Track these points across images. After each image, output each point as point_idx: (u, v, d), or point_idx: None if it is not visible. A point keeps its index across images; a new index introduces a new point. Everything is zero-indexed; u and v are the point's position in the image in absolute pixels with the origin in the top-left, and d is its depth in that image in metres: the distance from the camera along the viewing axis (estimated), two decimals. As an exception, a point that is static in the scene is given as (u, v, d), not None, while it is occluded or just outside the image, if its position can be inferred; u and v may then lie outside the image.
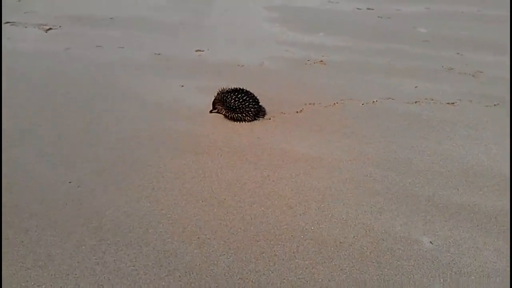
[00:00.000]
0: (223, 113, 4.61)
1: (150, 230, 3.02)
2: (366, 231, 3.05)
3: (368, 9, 10.01)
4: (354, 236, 2.99)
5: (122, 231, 3.00)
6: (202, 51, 6.99)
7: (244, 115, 4.51)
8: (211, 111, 4.75)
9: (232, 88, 4.57)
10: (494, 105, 5.09)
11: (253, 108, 4.54)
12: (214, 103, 4.68)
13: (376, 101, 5.19)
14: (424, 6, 10.31)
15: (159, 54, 6.79)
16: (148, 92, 5.35)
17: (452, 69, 6.33)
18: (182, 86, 5.56)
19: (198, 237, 2.95)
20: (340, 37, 7.87)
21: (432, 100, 5.23)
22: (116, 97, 5.20)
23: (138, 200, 3.34)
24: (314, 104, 5.08)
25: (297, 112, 4.88)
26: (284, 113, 4.83)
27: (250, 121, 4.56)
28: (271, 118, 4.72)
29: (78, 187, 3.49)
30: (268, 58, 6.72)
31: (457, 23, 8.94)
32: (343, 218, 3.18)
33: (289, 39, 7.72)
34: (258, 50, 7.09)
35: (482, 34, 8.19)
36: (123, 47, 7.03)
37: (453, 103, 5.16)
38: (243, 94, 4.51)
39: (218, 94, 4.59)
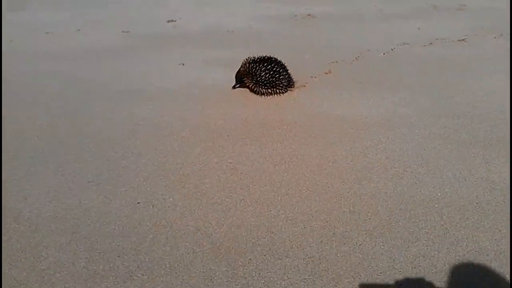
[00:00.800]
0: (252, 87, 4.07)
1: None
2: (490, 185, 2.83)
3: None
4: (478, 195, 2.76)
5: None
6: (175, 21, 6.18)
7: (277, 89, 4.02)
8: (234, 87, 4.21)
9: (258, 57, 4.02)
10: (498, 36, 5.08)
11: (285, 80, 4.04)
12: (238, 77, 4.13)
13: (394, 48, 4.94)
14: None
15: (127, 31, 5.87)
16: (153, 79, 4.57)
17: (436, 6, 6.27)
18: (183, 64, 4.83)
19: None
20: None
21: (443, 39, 5.11)
22: (116, 92, 4.36)
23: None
24: (337, 62, 4.69)
25: (326, 73, 4.47)
26: (314, 77, 4.40)
27: (282, 92, 4.03)
28: (305, 84, 4.27)
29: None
30: (253, 18, 6.13)
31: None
32: (463, 176, 2.93)
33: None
34: (236, 12, 6.45)
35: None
36: (79, 30, 5.96)
37: (463, 39, 5.09)
38: (274, 65, 3.98)
39: (244, 65, 4.04)
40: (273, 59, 4.01)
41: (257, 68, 3.94)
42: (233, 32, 5.72)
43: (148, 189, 2.99)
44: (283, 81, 4.01)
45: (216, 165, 3.19)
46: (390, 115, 3.70)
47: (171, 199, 2.89)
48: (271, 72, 3.93)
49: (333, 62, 4.68)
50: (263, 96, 4.07)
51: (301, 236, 2.51)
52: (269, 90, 4.02)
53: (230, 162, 3.21)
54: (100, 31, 5.90)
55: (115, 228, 2.67)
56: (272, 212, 2.71)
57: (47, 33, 5.83)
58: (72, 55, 5.13)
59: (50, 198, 2.96)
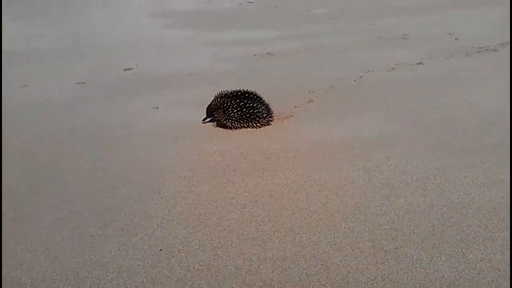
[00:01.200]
0: (224, 122, 3.93)
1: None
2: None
3: (249, 2, 9.99)
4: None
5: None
6: (132, 68, 5.95)
7: (253, 122, 3.90)
8: (204, 120, 4.10)
9: (232, 91, 3.92)
10: (450, 57, 5.53)
11: (264, 112, 3.94)
12: (209, 110, 4.03)
13: (362, 76, 5.14)
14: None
15: (82, 82, 5.53)
16: (129, 125, 4.27)
17: (381, 37, 6.71)
18: (157, 107, 4.60)
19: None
20: (254, 30, 7.65)
21: (402, 64, 5.43)
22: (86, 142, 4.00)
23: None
24: (313, 91, 4.76)
25: (308, 102, 4.50)
26: (298, 107, 4.41)
27: (260, 126, 3.95)
28: (292, 114, 4.24)
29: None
30: (212, 59, 6.11)
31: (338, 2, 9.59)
32: (481, 181, 2.99)
33: (210, 39, 7.16)
34: (192, 56, 6.39)
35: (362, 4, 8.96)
36: (26, 85, 5.51)
37: (421, 62, 5.44)
38: (247, 100, 3.86)
39: (216, 99, 3.94)
40: (247, 93, 3.89)
41: (229, 104, 3.83)
42: (198, 74, 5.63)
43: (166, 234, 2.69)
44: (263, 113, 3.92)
45: (233, 201, 2.97)
46: (384, 133, 3.77)
47: (196, 241, 2.62)
48: (244, 109, 3.82)
49: (310, 92, 4.73)
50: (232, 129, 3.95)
51: (353, 259, 2.37)
52: (243, 124, 3.90)
53: (247, 196, 3.01)
54: (51, 85, 5.50)
55: (144, 281, 2.34)
56: (312, 239, 2.55)
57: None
58: (23, 110, 4.67)
59: (51, 259, 2.54)
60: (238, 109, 3.81)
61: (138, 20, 8.64)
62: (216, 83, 5.33)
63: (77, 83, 5.49)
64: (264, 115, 3.91)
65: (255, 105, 3.87)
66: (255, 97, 3.93)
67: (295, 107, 4.41)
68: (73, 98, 5.00)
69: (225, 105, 3.84)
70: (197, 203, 2.97)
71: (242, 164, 3.43)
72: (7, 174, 3.47)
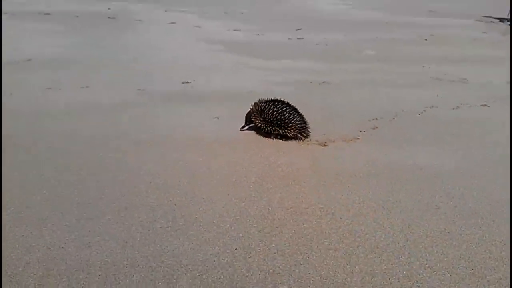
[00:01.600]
0: (260, 126, 3.99)
1: None
2: None
3: (299, 38, 10.09)
4: None
5: None
6: (189, 82, 5.96)
7: (288, 130, 3.89)
8: (242, 128, 4.17)
9: (271, 98, 4.01)
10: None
11: (298, 121, 3.92)
12: (248, 117, 4.10)
13: (425, 110, 4.99)
14: (342, 34, 10.86)
15: (143, 90, 5.54)
16: (190, 130, 4.20)
17: (439, 79, 6.59)
18: (217, 118, 4.53)
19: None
20: (306, 61, 7.64)
21: (466, 104, 5.27)
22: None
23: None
24: (376, 119, 4.62)
25: (372, 128, 4.36)
26: (363, 131, 4.26)
27: (293, 136, 3.92)
28: (358, 137, 4.09)
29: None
30: (269, 83, 6.07)
31: (387, 45, 9.59)
32: None
33: (262, 65, 7.18)
34: (247, 77, 6.39)
35: (414, 51, 8.93)
36: (87, 87, 5.55)
37: (485, 104, 5.27)
38: (284, 105, 3.94)
39: (254, 104, 4.04)
40: (284, 102, 3.97)
41: (266, 106, 3.90)
42: (254, 92, 5.58)
43: (240, 235, 2.53)
44: (297, 121, 3.90)
45: (307, 210, 2.81)
46: (461, 164, 3.57)
47: (273, 245, 2.45)
48: (280, 111, 3.87)
49: (373, 120, 4.60)
50: (272, 137, 3.99)
51: (453, 285, 2.14)
52: (278, 130, 3.91)
53: (322, 208, 2.84)
54: (111, 89, 5.53)
55: (221, 277, 2.16)
56: (402, 259, 2.34)
57: (48, 88, 5.36)
58: (81, 111, 4.67)
59: (120, 245, 2.39)
60: (274, 112, 3.85)
61: (193, 45, 8.80)
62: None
63: (137, 89, 5.50)
64: (300, 125, 3.91)
65: (291, 111, 3.92)
66: (291, 105, 3.98)
67: (360, 131, 4.26)
68: (133, 102, 4.99)
69: (262, 108, 3.92)
70: (269, 208, 2.82)
71: (312, 177, 3.28)
72: (85, 163, 3.41)
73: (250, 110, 4.05)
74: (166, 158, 3.56)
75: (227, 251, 2.37)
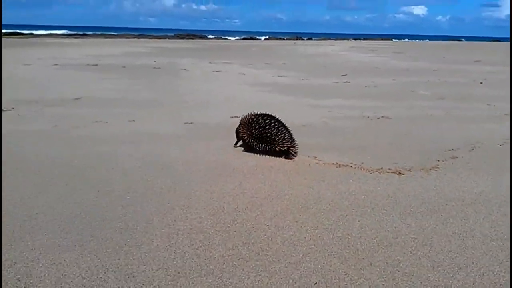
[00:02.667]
0: (246, 139, 3.89)
1: None
2: None
3: (345, 82, 9.80)
4: None
5: None
6: (238, 116, 5.65)
7: (274, 145, 3.76)
8: (235, 144, 4.10)
9: (259, 112, 3.91)
10: None
11: (287, 137, 3.79)
12: (238, 131, 4.00)
13: (505, 142, 4.40)
14: (390, 79, 10.50)
15: (191, 123, 5.27)
16: (251, 160, 3.79)
17: (507, 114, 5.99)
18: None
19: None
20: (358, 100, 7.24)
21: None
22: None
23: None
24: (453, 149, 4.07)
25: (451, 158, 3.80)
26: (443, 160, 3.72)
27: (282, 150, 3.77)
28: (437, 166, 3.55)
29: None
30: (323, 117, 5.68)
31: (441, 87, 9.09)
32: None
33: (312, 103, 6.84)
34: (298, 113, 6.03)
35: (470, 91, 8.37)
36: (133, 120, 5.35)
37: None
38: (273, 121, 3.81)
39: (242, 120, 3.94)
40: (274, 118, 3.84)
41: (253, 120, 3.79)
42: (309, 126, 5.18)
43: (319, 266, 2.03)
44: (285, 139, 3.76)
45: (398, 241, 2.28)
46: None
47: (362, 279, 1.91)
48: (267, 126, 3.75)
49: (449, 150, 4.05)
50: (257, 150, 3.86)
51: None
52: (264, 146, 3.79)
53: (415, 238, 2.30)
54: (158, 123, 5.29)
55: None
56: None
57: (95, 122, 5.19)
58: (126, 140, 4.41)
59: (171, 277, 1.93)
60: (261, 126, 3.74)
61: (240, 87, 8.67)
62: (333, 135, 4.84)
63: (185, 123, 5.25)
64: (287, 142, 3.76)
65: (280, 127, 3.76)
66: (280, 122, 3.85)
67: (438, 160, 3.72)
68: (181, 134, 4.70)
69: (250, 121, 3.81)
70: (349, 238, 2.30)
71: (396, 206, 2.75)
72: (131, 187, 3.04)
73: (239, 123, 3.97)
74: (219, 184, 3.14)
75: (305, 285, 1.85)
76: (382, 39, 47.26)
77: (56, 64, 12.09)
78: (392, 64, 15.08)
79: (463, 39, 57.22)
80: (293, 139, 3.80)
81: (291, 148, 3.79)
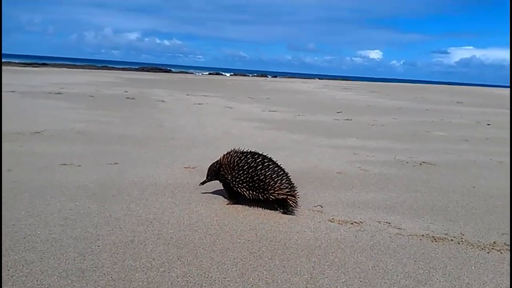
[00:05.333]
0: (230, 183, 2.99)
1: None
2: None
3: (347, 119, 8.87)
4: None
5: None
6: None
7: (267, 193, 2.88)
8: (203, 182, 3.22)
9: (247, 150, 3.09)
10: None
11: (286, 182, 2.91)
12: (211, 170, 3.15)
13: None
14: (391, 117, 9.70)
15: (193, 167, 4.04)
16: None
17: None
18: (321, 206, 2.94)
19: None
20: (373, 141, 6.25)
21: None
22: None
23: None
24: None
25: None
26: None
27: (278, 198, 2.89)
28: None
29: None
30: (356, 162, 4.60)
31: (451, 128, 8.32)
32: None
33: (328, 143, 5.77)
34: (319, 156, 4.96)
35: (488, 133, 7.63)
36: (116, 163, 4.03)
37: None
38: (266, 161, 2.97)
39: (227, 155, 3.07)
40: (266, 157, 3.01)
41: (239, 160, 2.95)
42: (345, 174, 4.07)
43: None
44: (283, 181, 2.88)
45: None
46: None
47: None
48: (259, 167, 2.89)
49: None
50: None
51: None
52: (253, 193, 2.90)
53: None
54: (147, 165, 4.02)
55: None
56: None
57: (63, 164, 3.83)
58: (112, 191, 3.11)
59: None
60: (252, 167, 2.89)
61: (233, 123, 7.51)
62: (382, 187, 3.75)
63: (185, 167, 3.99)
64: (285, 187, 2.87)
65: (276, 168, 2.93)
66: (275, 163, 3.00)
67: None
68: (181, 185, 3.43)
69: (234, 160, 2.97)
70: None
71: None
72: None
73: (215, 162, 3.14)
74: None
75: None
76: (343, 80, 47.84)
77: (12, 91, 10.50)
78: (379, 102, 14.46)
79: (418, 83, 59.28)
80: (293, 184, 2.96)
81: (291, 197, 2.88)
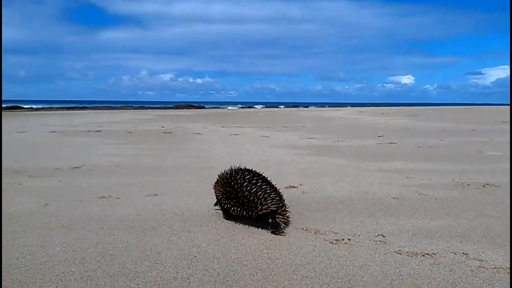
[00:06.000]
0: (220, 200, 3.01)
1: None
2: None
3: (390, 143, 8.43)
4: None
5: None
6: (295, 187, 4.18)
7: (253, 210, 2.79)
8: (216, 205, 3.18)
9: (241, 167, 3.03)
10: None
11: (275, 198, 2.80)
12: (214, 190, 3.11)
13: None
14: (438, 139, 9.17)
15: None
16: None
17: None
18: (382, 235, 2.59)
19: None
20: (423, 163, 5.81)
21: None
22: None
23: None
24: None
25: None
26: None
27: (265, 213, 2.76)
28: None
29: None
30: (406, 186, 4.23)
31: (501, 147, 7.72)
32: None
33: (378, 168, 5.39)
34: (371, 179, 4.56)
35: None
36: (156, 194, 3.83)
37: None
38: (256, 177, 2.90)
39: (222, 173, 3.06)
40: (256, 171, 2.98)
41: (233, 175, 2.92)
42: (402, 199, 3.70)
43: None
44: (271, 196, 2.78)
45: None
46: None
47: None
48: (245, 183, 2.84)
49: None
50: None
51: None
52: (239, 210, 2.84)
53: None
54: (187, 195, 3.80)
55: None
56: None
57: (101, 197, 3.66)
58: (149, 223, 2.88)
59: None
60: (239, 183, 2.85)
61: (273, 151, 7.26)
62: (448, 213, 3.36)
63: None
64: (274, 203, 2.77)
65: (263, 185, 2.82)
66: (266, 180, 2.92)
67: None
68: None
69: (227, 177, 2.95)
70: None
71: None
72: None
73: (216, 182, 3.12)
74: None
75: None
76: (375, 106, 47.05)
77: (53, 131, 10.74)
78: (420, 125, 13.91)
79: (453, 105, 57.28)
80: (283, 201, 2.85)
81: (279, 216, 2.75)
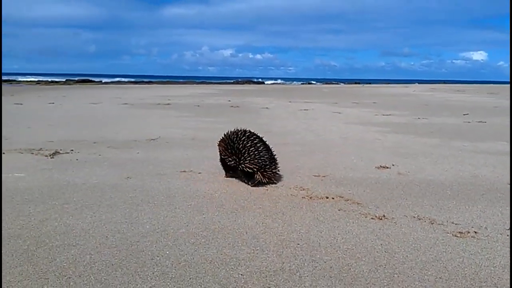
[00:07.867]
0: (221, 154, 3.23)
1: None
2: None
3: (480, 122, 7.64)
4: None
5: None
6: (388, 167, 3.75)
7: (246, 164, 3.03)
8: (226, 175, 3.33)
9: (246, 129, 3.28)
10: None
11: (266, 161, 3.05)
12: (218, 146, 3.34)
13: None
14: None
15: (323, 176, 3.42)
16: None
17: None
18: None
19: None
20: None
21: None
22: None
23: None
24: None
25: None
26: None
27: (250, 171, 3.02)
28: None
29: None
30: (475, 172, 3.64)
31: None
32: None
33: (483, 149, 4.79)
34: (486, 163, 4.03)
35: None
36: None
37: None
38: (255, 137, 3.19)
39: (225, 135, 3.28)
40: (260, 136, 3.29)
41: (234, 133, 3.23)
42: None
43: None
44: (261, 154, 3.07)
45: None
46: None
47: None
48: (243, 137, 3.15)
49: None
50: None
51: None
52: (233, 158, 3.12)
53: None
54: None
55: None
56: None
57: (182, 171, 3.46)
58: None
59: None
60: (239, 138, 3.16)
61: (350, 127, 6.84)
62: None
63: (314, 175, 3.42)
64: (262, 161, 3.05)
65: (258, 144, 3.13)
66: (263, 141, 3.22)
67: None
68: (321, 194, 2.84)
69: (230, 136, 3.24)
70: None
71: None
72: None
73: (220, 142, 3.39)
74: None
75: None
76: (446, 83, 43.95)
77: (125, 103, 10.94)
78: (506, 104, 12.65)
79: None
80: (275, 160, 3.20)
81: (267, 171, 3.05)
